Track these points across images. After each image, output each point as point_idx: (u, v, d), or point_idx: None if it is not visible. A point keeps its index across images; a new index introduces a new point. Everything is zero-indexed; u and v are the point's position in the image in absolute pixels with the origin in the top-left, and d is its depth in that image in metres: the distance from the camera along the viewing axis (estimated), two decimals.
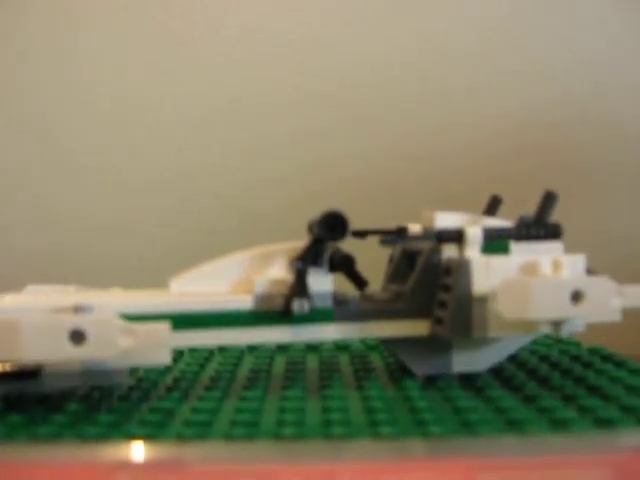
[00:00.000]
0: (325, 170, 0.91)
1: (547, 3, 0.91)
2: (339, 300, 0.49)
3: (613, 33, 0.91)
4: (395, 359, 0.56)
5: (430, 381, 0.50)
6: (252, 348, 0.64)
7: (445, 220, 0.50)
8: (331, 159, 0.91)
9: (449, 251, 0.49)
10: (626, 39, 0.91)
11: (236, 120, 0.92)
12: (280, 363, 0.58)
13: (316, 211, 0.47)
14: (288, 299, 0.47)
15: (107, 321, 0.42)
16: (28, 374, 0.45)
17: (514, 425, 0.40)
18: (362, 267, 0.53)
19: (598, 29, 0.91)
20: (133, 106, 0.92)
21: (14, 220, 0.92)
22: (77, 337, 0.42)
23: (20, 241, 0.92)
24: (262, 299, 0.48)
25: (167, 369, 0.55)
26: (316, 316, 0.48)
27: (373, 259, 0.56)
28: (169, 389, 0.49)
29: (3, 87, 0.91)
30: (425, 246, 0.50)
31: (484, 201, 0.57)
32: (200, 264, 0.50)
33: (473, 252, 0.48)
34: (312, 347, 0.65)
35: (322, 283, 0.48)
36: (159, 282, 0.51)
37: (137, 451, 0.37)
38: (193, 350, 0.63)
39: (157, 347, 0.44)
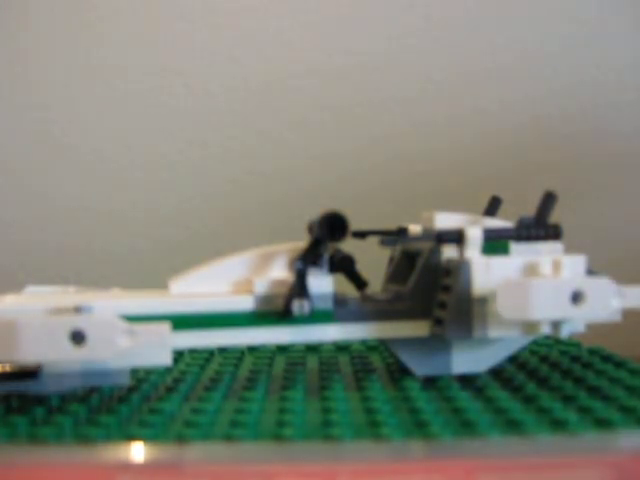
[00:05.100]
0: (325, 171, 0.91)
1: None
2: (339, 301, 0.49)
3: (613, 29, 0.91)
4: (395, 359, 0.56)
5: (430, 381, 0.50)
6: (252, 349, 0.64)
7: (445, 221, 0.51)
8: (331, 159, 0.91)
9: (449, 252, 0.49)
10: (626, 36, 0.91)
11: (237, 118, 0.92)
12: (280, 364, 0.58)
13: (316, 211, 0.47)
14: (288, 300, 0.47)
15: (107, 322, 0.42)
16: (28, 375, 0.45)
17: (514, 425, 0.40)
18: (362, 268, 0.53)
19: (598, 25, 0.91)
20: (132, 106, 0.92)
21: (14, 219, 0.92)
22: (77, 338, 0.42)
23: (20, 240, 0.92)
24: (262, 300, 0.48)
25: (167, 370, 0.55)
26: (316, 317, 0.48)
27: (373, 259, 0.56)
28: (169, 390, 0.49)
29: (3, 86, 0.91)
30: (425, 247, 0.50)
31: (484, 202, 0.57)
32: (200, 265, 0.50)
33: (473, 253, 0.48)
34: (312, 348, 0.65)
35: (322, 284, 0.48)
36: (159, 282, 0.51)
37: (137, 452, 0.37)
38: (193, 351, 0.63)
39: (157, 348, 0.44)
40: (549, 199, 0.50)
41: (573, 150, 0.90)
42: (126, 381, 0.46)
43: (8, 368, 0.46)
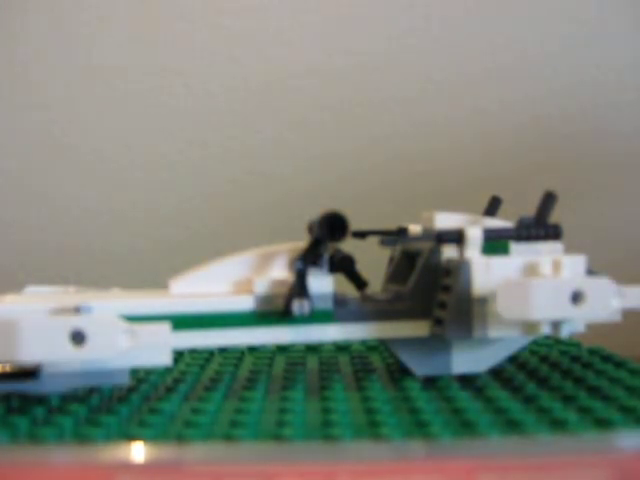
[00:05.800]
0: (325, 171, 0.91)
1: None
2: (339, 301, 0.49)
3: (613, 29, 0.91)
4: (395, 359, 0.56)
5: (430, 381, 0.50)
6: (252, 349, 0.64)
7: (445, 221, 0.51)
8: (331, 159, 0.91)
9: (449, 252, 0.49)
10: (626, 36, 0.91)
11: (237, 118, 0.92)
12: (280, 364, 0.58)
13: (316, 211, 0.47)
14: (288, 300, 0.47)
15: (108, 322, 0.42)
16: (28, 375, 0.45)
17: (514, 425, 0.40)
18: (362, 267, 0.53)
19: (598, 25, 0.91)
20: (132, 106, 0.92)
21: (14, 219, 0.92)
22: (77, 338, 0.42)
23: (20, 240, 0.92)
24: (262, 300, 0.48)
25: (167, 370, 0.55)
26: (316, 317, 0.48)
27: (373, 259, 0.56)
28: (169, 390, 0.49)
29: (3, 86, 0.91)
30: (425, 247, 0.50)
31: (484, 202, 0.57)
32: (200, 265, 0.50)
33: (473, 253, 0.48)
34: (312, 348, 0.65)
35: (322, 284, 0.48)
36: (159, 282, 0.51)
37: (137, 452, 0.37)
38: (193, 351, 0.63)
39: (157, 348, 0.44)
40: (549, 199, 0.50)
41: (573, 150, 0.90)
42: (126, 381, 0.46)
43: (8, 368, 0.46)
